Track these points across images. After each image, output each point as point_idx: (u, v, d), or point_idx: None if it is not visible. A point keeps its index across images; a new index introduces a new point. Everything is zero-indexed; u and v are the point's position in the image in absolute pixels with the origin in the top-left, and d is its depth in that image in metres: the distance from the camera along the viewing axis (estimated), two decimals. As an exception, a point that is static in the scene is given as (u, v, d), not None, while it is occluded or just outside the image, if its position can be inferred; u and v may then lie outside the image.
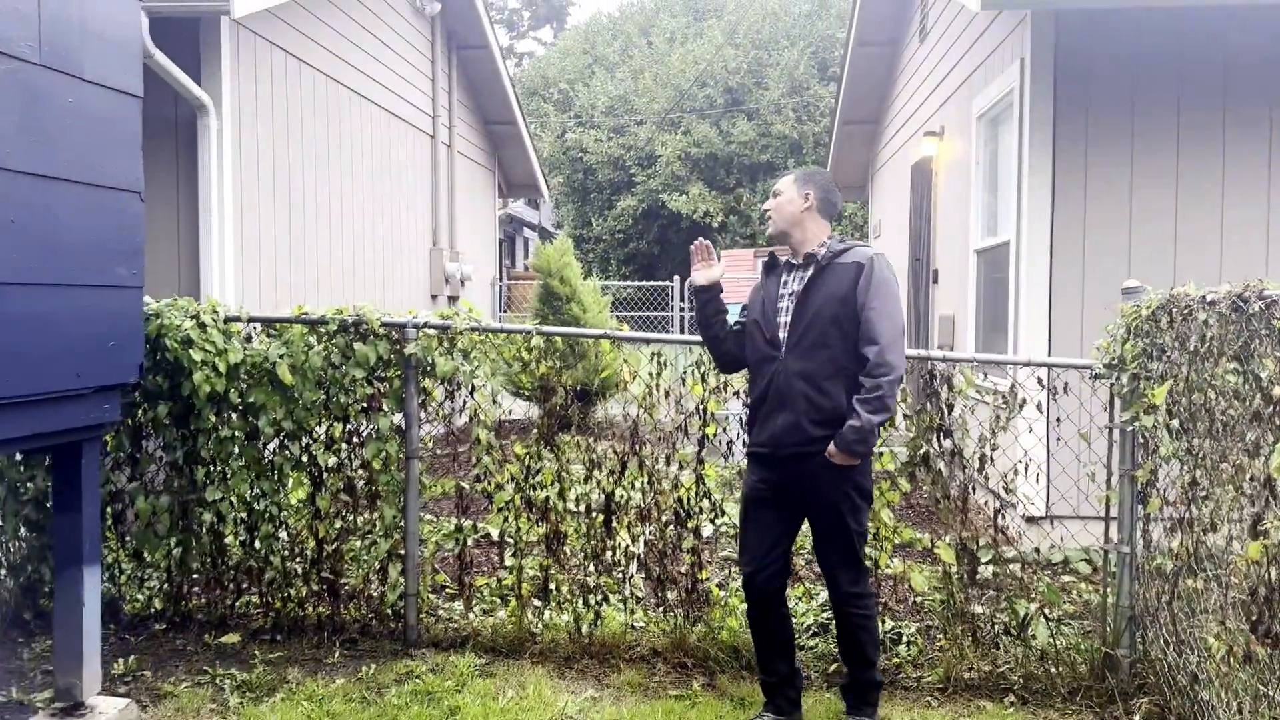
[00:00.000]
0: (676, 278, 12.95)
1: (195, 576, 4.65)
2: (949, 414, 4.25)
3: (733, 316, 3.94)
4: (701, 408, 4.39)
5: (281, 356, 4.42)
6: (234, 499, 4.50)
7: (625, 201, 25.95)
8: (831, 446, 3.45)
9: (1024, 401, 4.27)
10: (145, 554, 4.57)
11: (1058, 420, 4.27)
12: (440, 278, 10.40)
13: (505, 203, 14.13)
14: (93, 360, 3.39)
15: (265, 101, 6.93)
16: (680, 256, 25.65)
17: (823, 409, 3.48)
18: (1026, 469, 4.35)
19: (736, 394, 4.39)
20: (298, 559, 4.58)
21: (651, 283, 14.93)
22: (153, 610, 4.72)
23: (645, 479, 4.41)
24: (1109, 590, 4.23)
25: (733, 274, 17.85)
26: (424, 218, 10.32)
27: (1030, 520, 5.96)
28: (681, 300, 12.91)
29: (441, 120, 10.60)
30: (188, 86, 5.90)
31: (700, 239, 4.01)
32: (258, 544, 4.53)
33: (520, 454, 4.49)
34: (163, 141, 6.31)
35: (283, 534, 4.61)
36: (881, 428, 3.59)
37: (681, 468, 4.42)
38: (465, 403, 4.48)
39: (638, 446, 4.41)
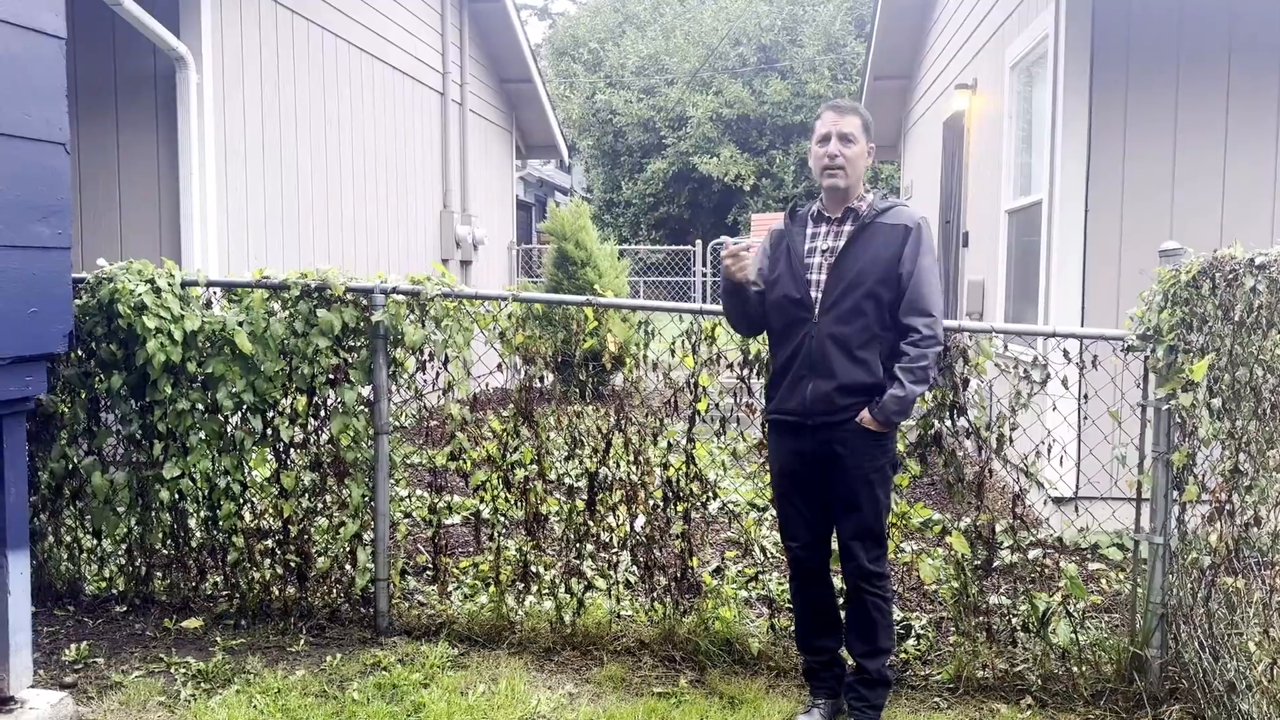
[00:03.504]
0: (699, 242, 12.53)
1: (156, 557, 4.39)
2: (964, 389, 3.85)
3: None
4: (692, 381, 4.03)
5: (241, 324, 4.11)
6: (196, 475, 4.22)
7: (655, 164, 25.43)
8: (866, 413, 3.29)
9: (1047, 377, 3.86)
10: (104, 533, 4.31)
11: (1085, 397, 3.87)
12: (451, 242, 10.08)
13: (524, 164, 13.72)
14: (9, 329, 3.09)
15: (253, 54, 6.59)
16: (712, 221, 25.16)
17: (857, 377, 3.30)
18: (1050, 450, 3.95)
19: (730, 366, 4.03)
20: (263, 540, 4.30)
21: (672, 247, 14.52)
22: (114, 592, 4.47)
23: (631, 457, 4.07)
24: (1139, 583, 3.84)
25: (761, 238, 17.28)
26: (433, 179, 9.98)
27: (1057, 502, 5.55)
28: (704, 265, 12.51)
29: (452, 77, 10.22)
30: (162, 37, 5.58)
31: (723, 239, 3.67)
32: (221, 523, 4.26)
33: (497, 429, 4.16)
34: (140, 98, 6.01)
35: (247, 513, 4.34)
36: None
37: (670, 447, 4.07)
38: (439, 374, 4.16)
39: (623, 423, 4.07)
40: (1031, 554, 4.08)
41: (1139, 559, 3.86)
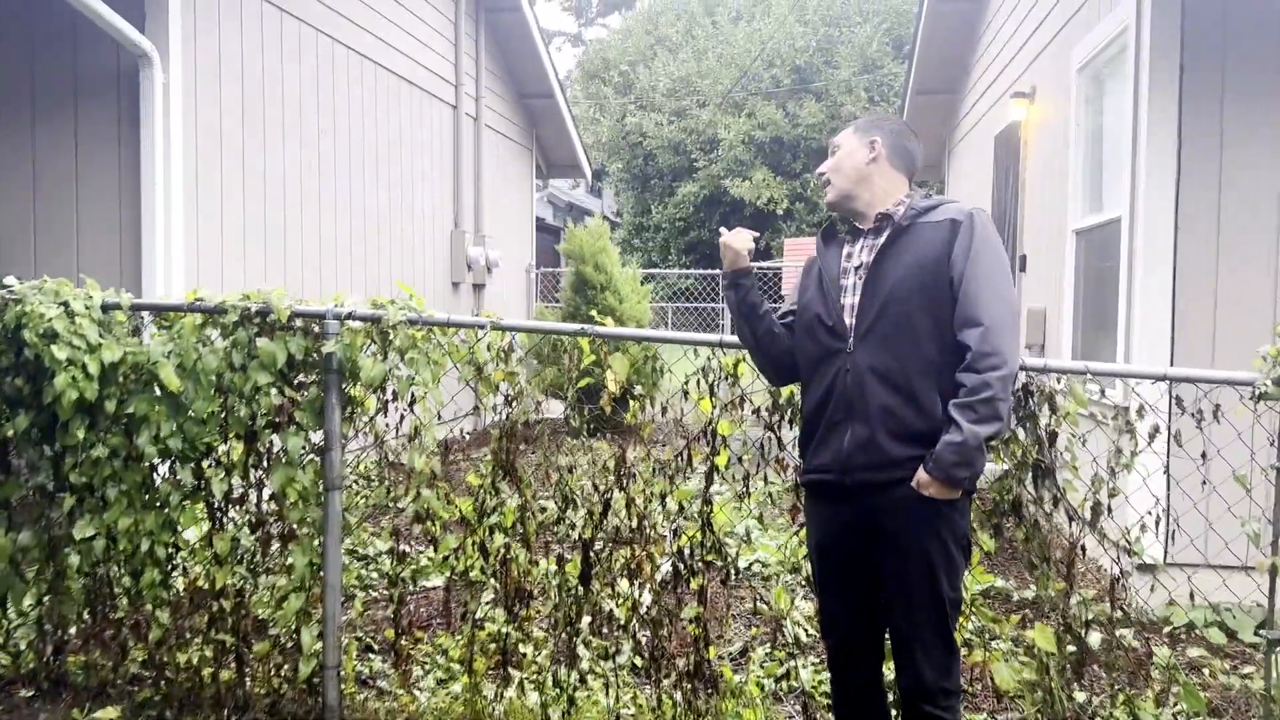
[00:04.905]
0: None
1: (71, 632, 3.69)
2: (1050, 445, 3.08)
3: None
4: (710, 430, 3.28)
5: (167, 355, 3.42)
6: (118, 535, 3.52)
7: (686, 188, 24.75)
8: (921, 472, 2.53)
9: (1156, 430, 3.08)
10: (8, 602, 3.62)
11: (1203, 455, 3.08)
12: (462, 264, 9.41)
13: (546, 183, 13.08)
14: None
15: (233, 55, 5.97)
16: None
17: (907, 419, 2.57)
18: (1159, 523, 3.15)
19: (756, 412, 3.27)
20: (195, 613, 3.58)
21: (701, 271, 13.80)
22: (21, 672, 3.77)
23: (634, 522, 3.32)
24: (1273, 690, 3.03)
25: (796, 262, 16.61)
26: (444, 197, 9.33)
27: (1143, 569, 4.72)
28: (733, 290, 11.76)
29: (466, 89, 9.58)
30: (121, 30, 4.95)
31: (738, 228, 2.97)
32: (144, 593, 3.55)
33: (475, 483, 3.43)
34: (101, 99, 5.39)
35: (181, 580, 3.63)
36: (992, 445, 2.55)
37: (682, 510, 3.32)
38: (403, 417, 3.44)
39: (624, 480, 3.32)
40: (1122, 635, 3.28)
41: (1274, 662, 3.06)
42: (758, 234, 2.93)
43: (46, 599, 3.62)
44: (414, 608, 4.37)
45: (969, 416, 2.47)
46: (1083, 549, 3.15)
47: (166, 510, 3.50)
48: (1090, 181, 6.06)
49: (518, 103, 11.31)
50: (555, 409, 8.99)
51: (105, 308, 3.53)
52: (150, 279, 5.25)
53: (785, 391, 3.24)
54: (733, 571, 3.29)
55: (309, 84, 6.82)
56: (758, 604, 4.49)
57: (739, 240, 2.86)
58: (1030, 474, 3.10)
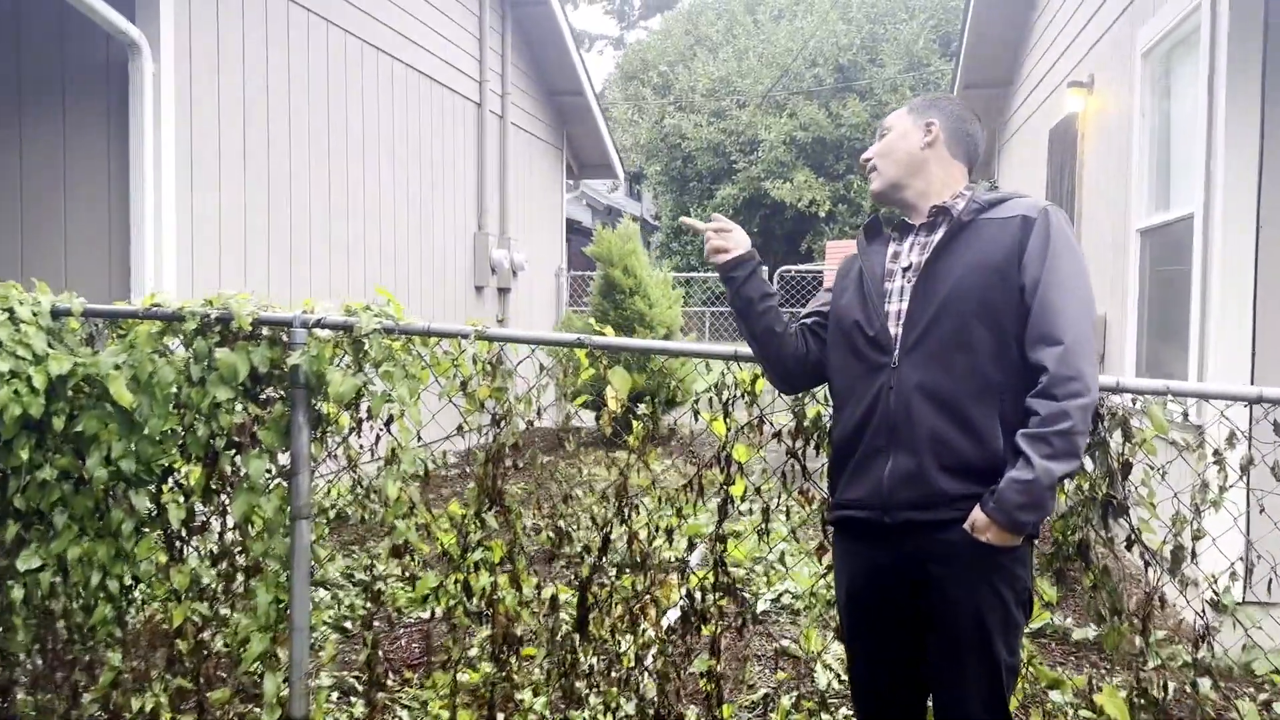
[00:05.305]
0: (764, 269, 11.32)
1: (20, 670, 3.35)
2: (1123, 477, 2.61)
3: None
4: (724, 455, 2.85)
5: (119, 367, 3.07)
6: (70, 568, 3.17)
7: (725, 190, 24.27)
8: (978, 513, 2.12)
9: (1249, 462, 2.60)
10: (-48, 638, 3.29)
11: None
12: (485, 267, 9.05)
13: (577, 184, 12.70)
14: None
15: (233, 45, 5.65)
16: (785, 249, 23.88)
17: (961, 449, 2.16)
18: (1251, 571, 2.67)
19: (778, 435, 2.84)
20: (152, 653, 3.22)
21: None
22: (-32, 713, 3.44)
23: (637, 559, 2.90)
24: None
25: (838, 266, 15.94)
26: (467, 197, 8.98)
27: (1215, 607, 4.21)
28: (770, 295, 11.30)
29: (491, 86, 9.23)
30: (107, 17, 4.63)
31: (715, 214, 2.58)
32: (96, 631, 3.20)
33: (457, 513, 3.04)
34: (91, 91, 5.08)
35: (141, 616, 3.28)
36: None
37: (691, 547, 2.89)
38: (379, 438, 3.06)
39: (626, 512, 2.90)
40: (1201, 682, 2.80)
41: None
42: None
43: (-7, 635, 3.28)
44: (405, 643, 3.98)
45: (1042, 450, 2.04)
46: (1161, 599, 2.68)
47: (120, 540, 3.14)
48: (1157, 176, 5.54)
49: (546, 100, 10.94)
50: (590, 418, 8.61)
51: (55, 314, 3.20)
52: (139, 281, 4.93)
53: (811, 411, 2.81)
54: (750, 620, 2.85)
55: (319, 78, 6.49)
56: (784, 641, 4.05)
57: (714, 231, 2.50)
58: (1100, 511, 2.64)
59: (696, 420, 2.91)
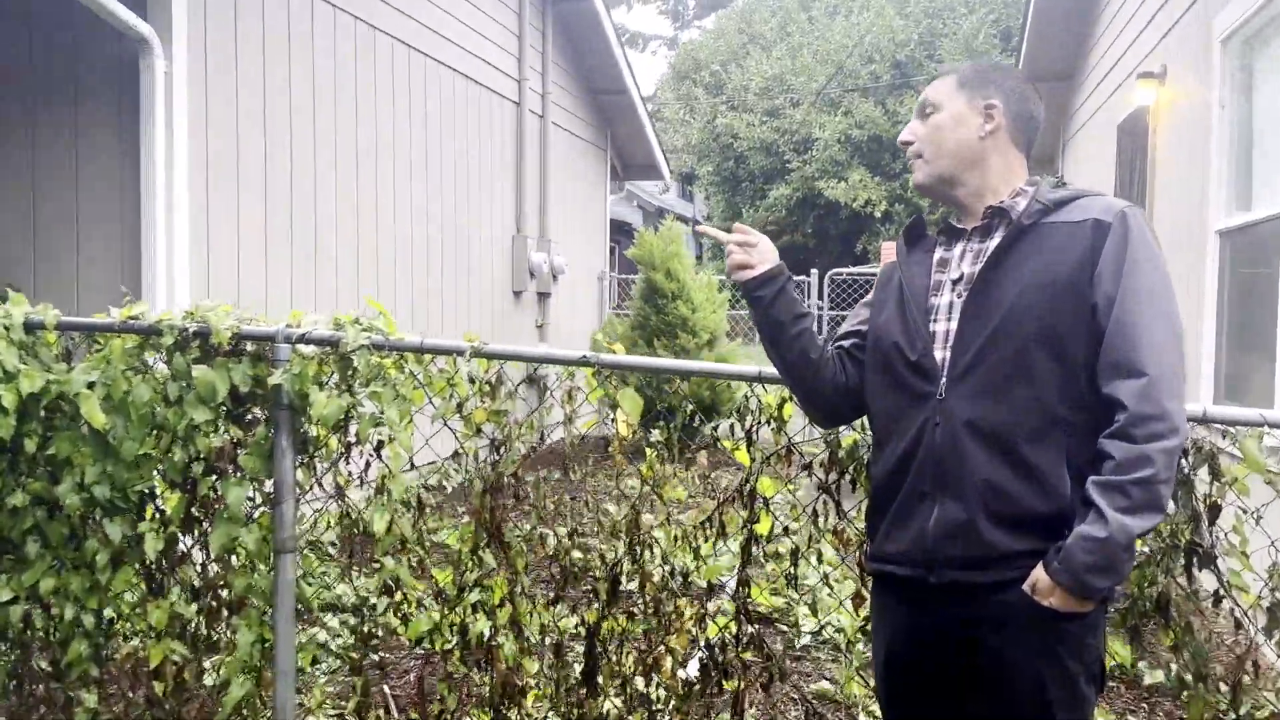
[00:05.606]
0: (814, 271, 10.92)
1: (-5, 708, 3.14)
2: (1210, 522, 2.24)
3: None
4: (748, 490, 2.53)
5: (92, 385, 2.83)
6: (44, 600, 2.95)
7: (778, 190, 23.80)
8: (1040, 573, 1.79)
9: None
10: (-74, 671, 3.09)
11: None
12: (524, 271, 8.79)
13: (622, 186, 12.41)
14: None
15: (253, 43, 5.44)
16: (839, 250, 23.37)
17: (1021, 497, 1.81)
18: (1367, 632, 2.28)
19: (807, 469, 2.51)
20: (129, 695, 2.99)
21: (795, 278, 12.92)
22: (-56, 751, 3.24)
23: (649, 603, 2.59)
24: None
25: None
26: (505, 200, 8.73)
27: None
28: (819, 299, 10.89)
29: (531, 85, 8.97)
30: (115, 14, 4.44)
31: (736, 224, 2.21)
32: (71, 670, 2.97)
33: (455, 545, 2.76)
34: (102, 91, 4.91)
35: (120, 654, 3.04)
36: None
37: (711, 592, 2.58)
38: (369, 464, 2.78)
39: (639, 549, 2.59)
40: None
41: None
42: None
43: (-34, 670, 3.07)
44: (413, 677, 3.71)
45: (1118, 502, 1.69)
46: (1255, 664, 2.30)
47: (95, 572, 2.91)
48: (1238, 173, 5.09)
49: (589, 99, 10.67)
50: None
51: (29, 327, 2.97)
52: (150, 288, 4.74)
53: (847, 440, 2.47)
54: (778, 675, 2.52)
55: (345, 76, 6.28)
56: (823, 681, 3.70)
57: (737, 244, 2.11)
58: (1183, 560, 2.27)
59: (714, 445, 2.59)
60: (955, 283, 1.95)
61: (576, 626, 2.71)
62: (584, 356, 2.56)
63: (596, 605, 2.61)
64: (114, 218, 4.89)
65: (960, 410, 1.85)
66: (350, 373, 2.72)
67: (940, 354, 1.90)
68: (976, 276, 1.90)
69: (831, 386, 2.10)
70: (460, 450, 2.70)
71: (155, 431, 2.85)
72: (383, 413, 2.67)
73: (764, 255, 2.10)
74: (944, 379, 1.88)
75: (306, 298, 5.77)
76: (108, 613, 3.00)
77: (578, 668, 2.66)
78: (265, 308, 5.25)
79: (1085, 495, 1.75)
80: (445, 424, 2.68)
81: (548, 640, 2.73)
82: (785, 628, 4.21)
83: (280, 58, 5.65)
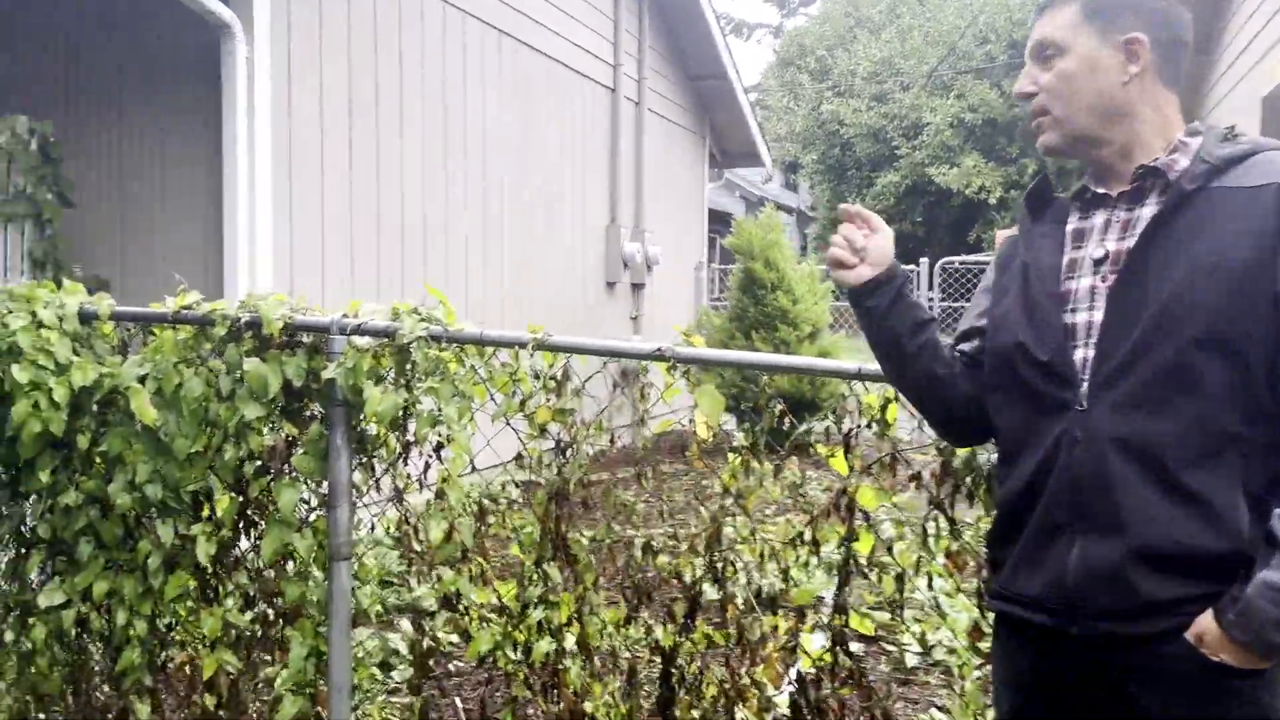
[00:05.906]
0: (924, 260, 10.39)
1: (50, 713, 3.03)
2: None
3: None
4: (845, 502, 2.21)
5: (144, 379, 2.68)
6: (97, 604, 2.82)
7: (886, 178, 23.05)
8: (1209, 622, 1.43)
9: None
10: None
11: None
12: (617, 261, 8.56)
13: (721, 173, 12.07)
14: None
15: (337, 28, 5.31)
16: (950, 238, 22.52)
17: (1184, 532, 1.45)
18: None
19: (916, 479, 2.17)
20: (181, 708, 2.84)
21: (904, 267, 12.39)
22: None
23: (735, 632, 2.30)
24: None
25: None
26: (599, 189, 8.50)
27: None
28: (929, 289, 10.36)
29: (625, 70, 8.72)
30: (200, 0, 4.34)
31: (843, 205, 1.85)
32: (125, 680, 2.83)
33: (519, 554, 2.51)
34: (185, 78, 4.84)
35: (177, 657, 2.90)
36: None
37: (802, 617, 2.26)
38: (428, 466, 2.56)
39: (720, 565, 2.30)
40: None
41: None
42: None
43: (12, 673, 2.96)
44: (485, 694, 3.49)
45: None
46: None
47: (147, 575, 2.76)
48: None
49: (686, 85, 10.35)
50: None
51: (84, 317, 2.84)
52: (231, 279, 4.64)
53: (962, 450, 2.12)
54: (880, 717, 2.19)
55: (433, 62, 6.12)
56: (934, 711, 3.34)
57: (840, 244, 1.75)
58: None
59: (811, 451, 2.28)
60: (1098, 263, 1.57)
61: (646, 646, 2.43)
62: (658, 350, 2.28)
63: (672, 628, 2.33)
64: (200, 207, 4.82)
65: (1107, 425, 1.48)
66: (408, 366, 2.50)
67: (1081, 354, 1.54)
68: (1127, 255, 1.52)
69: (961, 402, 1.72)
70: (523, 451, 2.45)
71: (208, 428, 2.68)
72: (440, 410, 2.44)
73: (874, 254, 1.74)
74: (1085, 385, 1.51)
75: (392, 289, 5.63)
76: (163, 620, 2.86)
77: (652, 696, 2.38)
78: (351, 296, 5.12)
79: (1270, 531, 1.39)
80: (508, 422, 2.43)
81: (620, 663, 2.46)
82: (891, 646, 3.86)
83: (366, 43, 5.51)
